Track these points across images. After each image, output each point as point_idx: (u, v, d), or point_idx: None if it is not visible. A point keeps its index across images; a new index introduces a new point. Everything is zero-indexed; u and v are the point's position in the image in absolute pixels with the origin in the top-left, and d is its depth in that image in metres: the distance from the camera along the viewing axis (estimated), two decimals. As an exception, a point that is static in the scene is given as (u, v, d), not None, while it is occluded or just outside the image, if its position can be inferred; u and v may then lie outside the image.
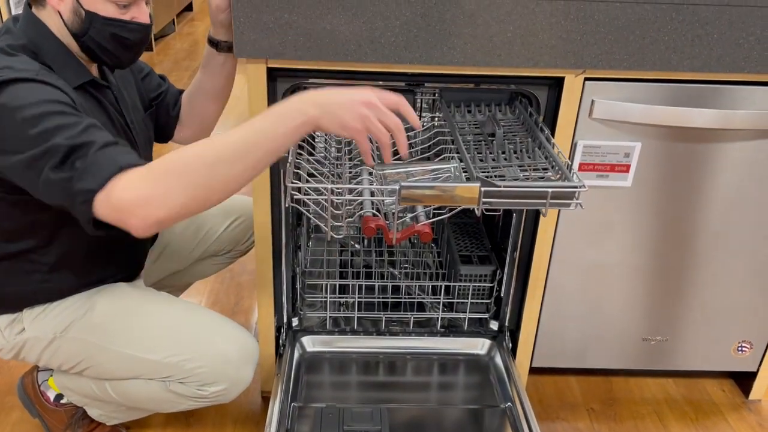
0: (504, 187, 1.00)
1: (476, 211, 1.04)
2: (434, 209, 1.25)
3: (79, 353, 1.22)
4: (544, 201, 1.01)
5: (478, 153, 1.21)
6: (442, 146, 1.34)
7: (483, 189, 1.00)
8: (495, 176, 1.12)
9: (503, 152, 1.20)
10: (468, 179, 1.08)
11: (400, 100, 0.97)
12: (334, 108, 0.94)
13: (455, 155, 1.23)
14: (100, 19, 1.08)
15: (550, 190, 1.01)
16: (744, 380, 1.67)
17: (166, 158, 0.93)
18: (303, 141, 1.30)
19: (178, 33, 4.77)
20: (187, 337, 1.21)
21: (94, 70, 1.18)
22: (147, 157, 1.31)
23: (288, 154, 1.15)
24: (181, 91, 1.42)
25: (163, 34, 4.59)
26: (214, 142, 0.95)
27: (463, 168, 1.13)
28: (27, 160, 0.96)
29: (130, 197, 0.92)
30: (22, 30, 1.09)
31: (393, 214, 1.06)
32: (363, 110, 0.94)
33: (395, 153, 1.36)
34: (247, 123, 0.95)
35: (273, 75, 1.21)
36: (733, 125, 1.29)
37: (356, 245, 1.81)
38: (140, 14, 1.11)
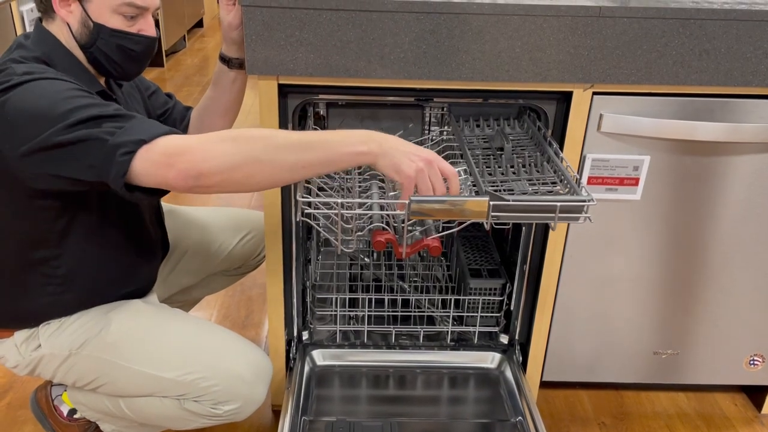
0: (513, 200, 1.01)
1: (485, 225, 1.05)
2: (444, 223, 1.26)
3: (94, 370, 1.22)
4: (553, 215, 1.02)
5: (486, 167, 1.22)
6: (451, 160, 1.35)
7: (492, 203, 1.00)
8: (504, 190, 1.12)
9: (512, 166, 1.21)
10: (477, 193, 1.09)
11: (454, 173, 1.01)
12: (395, 153, 0.98)
13: (460, 160, 1.23)
14: (107, 31, 1.10)
15: (558, 203, 1.01)
16: (756, 394, 1.65)
17: (229, 130, 0.98)
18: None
19: (188, 49, 4.83)
20: (202, 356, 1.21)
21: (102, 82, 1.20)
22: None
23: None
24: (188, 108, 1.44)
25: (174, 50, 4.64)
26: (281, 131, 1.00)
27: (471, 180, 1.14)
28: (60, 128, 0.97)
29: (179, 142, 0.96)
30: (34, 44, 1.12)
31: (402, 228, 1.07)
32: (420, 164, 0.97)
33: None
34: (317, 131, 1.01)
35: (284, 91, 1.23)
36: (741, 138, 1.29)
37: (366, 259, 1.81)
38: (147, 26, 1.14)
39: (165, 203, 1.51)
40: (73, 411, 1.39)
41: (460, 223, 1.13)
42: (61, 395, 1.39)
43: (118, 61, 1.14)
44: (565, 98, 1.26)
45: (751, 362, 1.56)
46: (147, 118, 1.04)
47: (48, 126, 0.98)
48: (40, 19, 1.14)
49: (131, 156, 0.96)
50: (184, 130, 1.43)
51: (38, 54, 1.10)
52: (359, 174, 1.34)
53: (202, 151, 0.95)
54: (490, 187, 1.11)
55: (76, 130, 0.97)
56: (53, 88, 1.01)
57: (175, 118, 1.41)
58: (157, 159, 0.96)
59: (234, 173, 0.96)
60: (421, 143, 1.42)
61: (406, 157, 0.97)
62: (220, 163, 0.95)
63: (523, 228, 1.43)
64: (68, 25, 1.11)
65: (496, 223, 1.04)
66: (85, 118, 0.98)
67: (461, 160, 1.28)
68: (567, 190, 1.10)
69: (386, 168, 0.98)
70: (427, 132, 1.58)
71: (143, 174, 0.97)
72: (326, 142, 0.98)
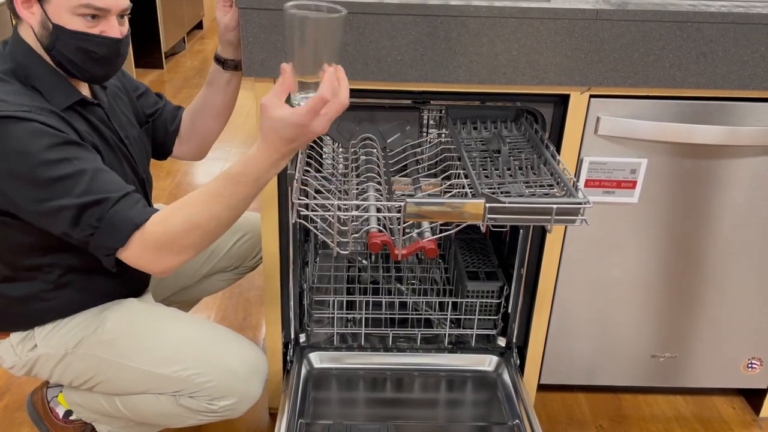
0: (509, 203, 1.01)
1: (481, 227, 1.05)
2: (440, 225, 1.25)
3: (90, 369, 1.22)
4: (549, 217, 1.02)
5: (483, 169, 1.22)
6: (448, 162, 1.35)
7: (488, 205, 1.00)
8: (500, 193, 1.12)
9: (509, 169, 1.21)
10: (473, 195, 1.09)
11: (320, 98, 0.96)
12: (293, 147, 0.98)
13: (458, 163, 1.23)
14: (66, 33, 1.08)
15: (554, 206, 1.01)
16: (754, 397, 1.65)
17: (173, 223, 1.04)
18: (310, 158, 1.31)
19: (188, 51, 4.83)
20: (196, 352, 1.22)
21: (84, 88, 1.19)
22: (145, 170, 1.33)
23: (295, 170, 1.16)
24: (178, 108, 1.44)
25: (173, 52, 4.64)
26: (212, 197, 1.05)
27: (468, 184, 1.14)
28: (41, 212, 1.05)
29: (147, 258, 1.07)
30: (10, 53, 1.11)
31: (398, 230, 1.07)
32: (305, 131, 0.95)
33: (403, 168, 1.38)
34: (248, 164, 1.02)
35: (281, 93, 1.23)
36: (738, 141, 1.29)
37: (363, 261, 1.81)
38: (109, 28, 1.11)
39: (161, 204, 1.51)
40: (69, 412, 1.38)
41: (457, 225, 1.13)
42: (56, 397, 1.39)
43: (80, 63, 1.11)
44: (563, 101, 1.26)
45: (749, 365, 1.56)
46: (118, 198, 1.06)
47: (28, 195, 1.04)
48: (15, 23, 1.13)
49: (112, 258, 1.07)
50: (175, 131, 1.42)
51: (13, 66, 1.09)
52: (356, 176, 1.34)
53: (166, 259, 1.07)
54: (486, 190, 1.11)
55: (57, 221, 1.05)
56: (34, 144, 1.03)
57: (165, 119, 1.41)
58: (134, 262, 1.08)
59: (199, 250, 1.08)
60: (418, 146, 1.42)
61: (300, 138, 0.97)
62: (184, 259, 1.08)
63: (521, 231, 1.43)
64: (32, 27, 1.09)
65: (493, 226, 1.04)
66: (62, 209, 1.03)
67: (458, 163, 1.28)
68: (563, 192, 1.10)
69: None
70: (424, 135, 1.58)
71: (129, 262, 1.08)
72: (264, 177, 1.03)
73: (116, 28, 1.12)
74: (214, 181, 1.04)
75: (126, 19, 1.16)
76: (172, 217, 1.04)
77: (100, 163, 1.08)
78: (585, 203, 1.02)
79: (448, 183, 1.26)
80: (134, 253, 1.06)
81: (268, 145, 0.98)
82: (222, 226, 1.07)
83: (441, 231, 1.20)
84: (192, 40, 5.13)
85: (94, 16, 1.09)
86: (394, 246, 1.08)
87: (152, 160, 1.42)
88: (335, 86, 0.93)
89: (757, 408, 1.64)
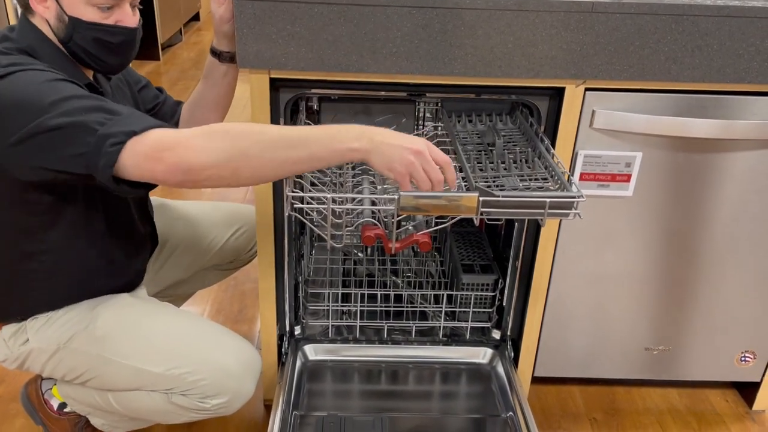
0: (502, 196, 1.01)
1: (474, 221, 1.05)
2: (435, 218, 1.25)
3: (82, 364, 1.22)
4: (543, 211, 1.02)
5: (478, 163, 1.22)
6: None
7: (481, 199, 1.00)
8: (495, 186, 1.12)
9: (503, 162, 1.21)
10: (467, 188, 1.09)
11: (447, 161, 1.00)
12: (385, 148, 0.97)
13: (452, 156, 1.23)
14: (83, 24, 1.08)
15: (548, 200, 1.01)
16: (748, 390, 1.66)
17: (220, 123, 0.97)
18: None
19: (185, 42, 4.81)
20: (189, 350, 1.21)
21: (90, 76, 1.20)
22: None
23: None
24: (178, 102, 1.44)
25: (170, 44, 4.62)
26: (271, 126, 0.98)
27: (463, 177, 1.14)
28: (47, 120, 0.96)
29: (169, 136, 0.96)
30: (20, 36, 1.11)
31: (392, 223, 1.07)
32: (411, 157, 0.96)
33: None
34: (308, 126, 1.00)
35: (275, 85, 1.23)
36: (734, 135, 1.29)
37: (359, 254, 1.81)
38: (124, 17, 1.11)
39: (156, 197, 1.50)
40: (63, 405, 1.38)
41: (452, 219, 1.13)
42: (51, 389, 1.39)
43: (98, 54, 1.12)
44: (558, 94, 1.26)
45: (743, 359, 1.57)
46: (138, 111, 1.04)
47: (37, 114, 0.97)
48: (24, 12, 1.13)
49: (120, 147, 0.95)
50: (175, 126, 1.42)
51: (23, 46, 1.09)
52: (352, 169, 1.34)
53: (193, 145, 0.95)
54: (481, 183, 1.11)
55: (66, 117, 0.97)
56: (41, 77, 1.01)
57: (165, 113, 1.41)
58: (146, 152, 0.95)
59: (223, 169, 0.96)
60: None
61: (396, 153, 0.97)
62: (209, 159, 0.95)
63: (516, 224, 1.43)
64: (47, 21, 1.09)
65: (488, 219, 1.04)
66: (74, 107, 0.97)
67: (453, 156, 1.28)
68: (557, 186, 1.10)
69: (378, 165, 0.98)
70: (420, 127, 1.58)
71: (131, 166, 0.96)
72: (317, 138, 0.97)
73: (131, 17, 1.13)
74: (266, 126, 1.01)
75: (137, 9, 1.15)
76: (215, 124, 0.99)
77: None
78: (578, 197, 1.02)
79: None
80: (147, 144, 0.95)
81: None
82: (248, 163, 0.96)
83: (435, 224, 1.20)
84: (189, 31, 5.11)
85: (109, 7, 1.09)
86: (387, 239, 1.09)
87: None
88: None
89: (750, 401, 1.65)
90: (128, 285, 1.31)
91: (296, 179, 1.14)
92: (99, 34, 1.10)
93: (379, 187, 1.21)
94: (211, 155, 0.95)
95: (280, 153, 0.96)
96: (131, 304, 1.26)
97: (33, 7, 1.09)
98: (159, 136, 0.96)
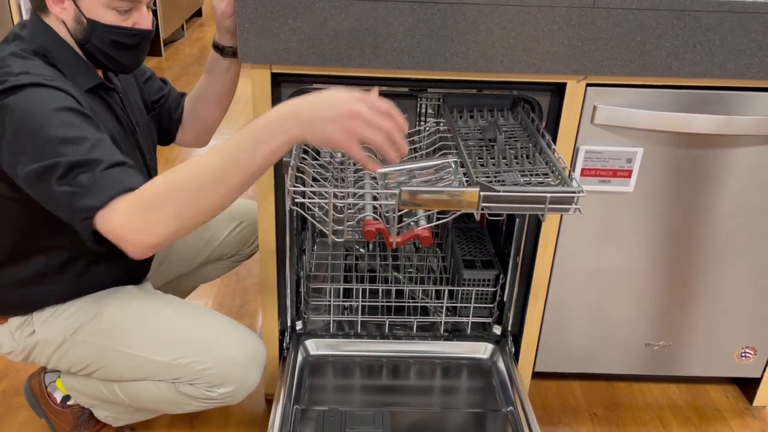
0: (503, 191, 1.01)
1: (476, 216, 1.05)
2: (437, 213, 1.26)
3: (88, 356, 1.23)
4: (543, 206, 1.02)
5: (479, 158, 1.22)
6: (444, 151, 1.35)
7: (482, 194, 1.01)
8: (496, 181, 1.13)
9: (504, 157, 1.21)
10: (468, 184, 1.09)
11: (388, 106, 0.93)
12: (318, 124, 0.90)
13: (454, 151, 1.24)
14: (101, 27, 1.09)
15: (548, 195, 1.01)
16: (748, 386, 1.66)
17: (156, 184, 0.95)
18: (307, 146, 1.31)
19: (187, 38, 4.81)
20: (196, 339, 1.22)
21: (99, 74, 1.20)
22: (151, 158, 1.33)
23: (290, 157, 1.16)
24: (182, 95, 1.44)
25: (172, 40, 4.62)
26: (197, 166, 0.94)
27: (463, 171, 1.14)
28: (37, 170, 0.98)
29: (123, 224, 0.95)
30: (32, 35, 1.11)
31: (393, 218, 1.07)
32: (348, 123, 0.90)
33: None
34: (230, 141, 0.94)
35: (277, 80, 1.23)
36: (735, 131, 1.29)
37: (361, 249, 1.82)
38: (142, 20, 1.13)
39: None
40: (66, 398, 1.39)
41: (453, 214, 1.13)
42: (54, 382, 1.40)
43: (114, 55, 1.13)
44: (559, 90, 1.26)
45: (743, 354, 1.57)
46: (112, 163, 0.99)
47: (29, 154, 0.98)
48: (36, 11, 1.13)
49: (90, 221, 0.96)
50: (179, 118, 1.42)
51: (36, 47, 1.09)
52: (353, 164, 1.34)
53: (138, 228, 0.94)
54: (482, 178, 1.11)
55: (49, 176, 0.97)
56: (49, 102, 1.00)
57: (170, 105, 1.41)
58: (110, 233, 0.96)
59: (180, 231, 0.95)
60: (415, 134, 1.42)
61: (331, 124, 0.89)
62: (162, 233, 0.95)
63: (517, 219, 1.43)
64: (63, 22, 1.10)
65: (490, 215, 1.05)
66: (57, 161, 0.97)
67: (454, 151, 1.28)
68: (558, 181, 1.11)
69: (317, 143, 0.92)
70: (421, 123, 1.58)
71: (106, 236, 0.97)
72: (243, 153, 0.92)
73: (148, 19, 1.14)
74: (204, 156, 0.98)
75: (150, 10, 1.16)
76: (154, 179, 0.97)
77: (106, 137, 1.03)
78: (578, 192, 1.02)
79: (443, 170, 1.26)
80: (108, 228, 0.95)
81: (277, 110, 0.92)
82: (206, 196, 0.95)
83: (437, 219, 1.20)
84: (191, 27, 5.11)
85: (128, 10, 1.10)
86: (388, 234, 1.09)
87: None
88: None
89: (750, 397, 1.65)
90: (134, 279, 1.32)
91: (298, 174, 1.14)
92: (117, 37, 1.11)
93: (380, 182, 1.21)
94: (158, 230, 0.94)
95: (218, 189, 0.93)
96: (137, 296, 1.27)
97: (49, 7, 1.09)
98: (114, 222, 0.95)
